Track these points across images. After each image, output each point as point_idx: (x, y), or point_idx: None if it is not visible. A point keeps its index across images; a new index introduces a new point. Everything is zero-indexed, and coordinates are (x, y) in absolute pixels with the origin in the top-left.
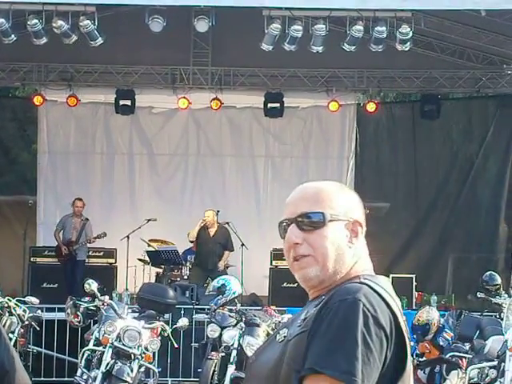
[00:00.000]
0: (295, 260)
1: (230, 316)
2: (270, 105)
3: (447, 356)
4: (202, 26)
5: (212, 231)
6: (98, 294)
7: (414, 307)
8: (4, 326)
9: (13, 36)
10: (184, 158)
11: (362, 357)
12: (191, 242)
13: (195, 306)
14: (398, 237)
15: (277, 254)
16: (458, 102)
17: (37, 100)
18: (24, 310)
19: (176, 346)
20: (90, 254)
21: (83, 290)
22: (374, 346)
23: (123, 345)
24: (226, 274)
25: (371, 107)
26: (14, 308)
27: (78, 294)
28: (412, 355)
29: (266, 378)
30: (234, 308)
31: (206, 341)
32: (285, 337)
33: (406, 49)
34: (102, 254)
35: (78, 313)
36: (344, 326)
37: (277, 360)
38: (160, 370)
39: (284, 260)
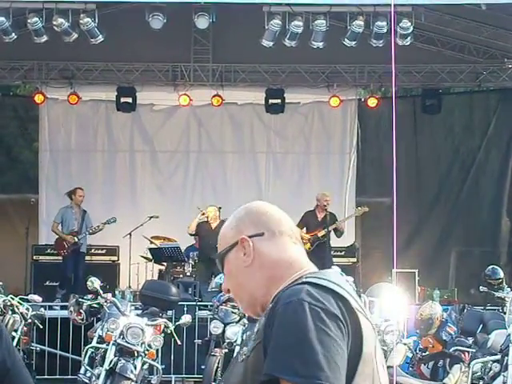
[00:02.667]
0: None
1: (232, 312)
2: (271, 101)
3: (450, 350)
4: (202, 22)
5: (214, 225)
6: (101, 292)
7: (416, 302)
8: (7, 324)
9: (13, 34)
10: (185, 154)
11: (323, 356)
12: (191, 235)
13: (198, 303)
14: (400, 232)
15: None
16: (460, 97)
17: (38, 98)
18: (27, 308)
19: (179, 342)
20: (92, 251)
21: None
22: (335, 335)
23: (126, 342)
24: None
25: (372, 102)
26: (16, 306)
27: (81, 291)
28: (415, 350)
29: None
30: (236, 304)
31: (209, 337)
32: (245, 355)
33: (407, 43)
34: (104, 251)
35: (81, 310)
36: (294, 329)
37: (240, 380)
38: (163, 366)
39: None
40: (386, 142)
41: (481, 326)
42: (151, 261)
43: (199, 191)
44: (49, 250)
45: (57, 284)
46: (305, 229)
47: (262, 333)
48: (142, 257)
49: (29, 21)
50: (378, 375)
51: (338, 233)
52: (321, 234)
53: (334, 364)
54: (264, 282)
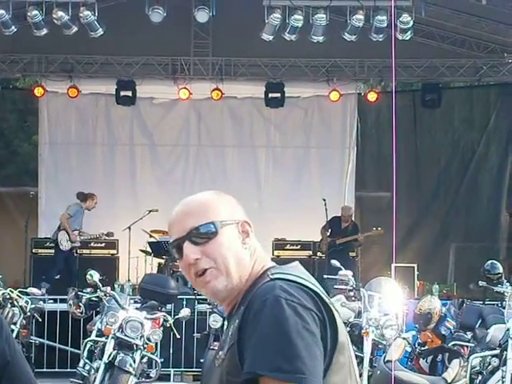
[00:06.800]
0: (198, 276)
1: None
2: (270, 95)
3: (449, 345)
4: (202, 16)
5: None
6: (100, 285)
7: (415, 296)
8: (6, 317)
9: (13, 27)
10: (185, 148)
11: (304, 351)
12: None
13: (197, 297)
14: (400, 226)
15: (278, 244)
16: (459, 91)
17: (37, 91)
18: (26, 302)
19: (178, 336)
20: (92, 245)
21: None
22: (313, 329)
23: (125, 335)
24: None
25: (372, 97)
26: (16, 299)
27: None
28: (414, 344)
29: None
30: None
31: (208, 331)
32: (221, 359)
33: (407, 38)
34: (103, 245)
35: (80, 304)
36: (274, 325)
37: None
38: (162, 360)
39: (286, 250)
40: (385, 136)
41: (480, 320)
42: (150, 254)
43: (199, 185)
44: (48, 244)
45: (56, 277)
46: (329, 232)
47: (236, 335)
48: (142, 250)
49: (29, 14)
50: (352, 363)
51: (357, 243)
52: (339, 241)
53: (314, 357)
54: (245, 270)
